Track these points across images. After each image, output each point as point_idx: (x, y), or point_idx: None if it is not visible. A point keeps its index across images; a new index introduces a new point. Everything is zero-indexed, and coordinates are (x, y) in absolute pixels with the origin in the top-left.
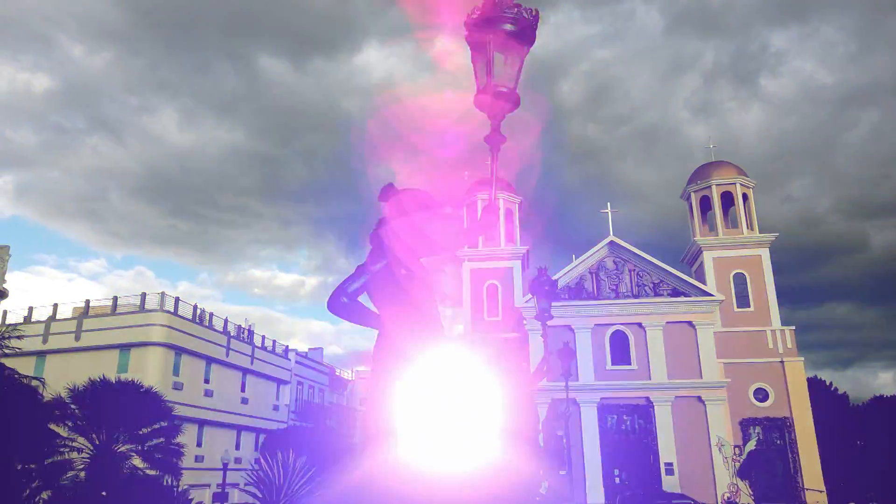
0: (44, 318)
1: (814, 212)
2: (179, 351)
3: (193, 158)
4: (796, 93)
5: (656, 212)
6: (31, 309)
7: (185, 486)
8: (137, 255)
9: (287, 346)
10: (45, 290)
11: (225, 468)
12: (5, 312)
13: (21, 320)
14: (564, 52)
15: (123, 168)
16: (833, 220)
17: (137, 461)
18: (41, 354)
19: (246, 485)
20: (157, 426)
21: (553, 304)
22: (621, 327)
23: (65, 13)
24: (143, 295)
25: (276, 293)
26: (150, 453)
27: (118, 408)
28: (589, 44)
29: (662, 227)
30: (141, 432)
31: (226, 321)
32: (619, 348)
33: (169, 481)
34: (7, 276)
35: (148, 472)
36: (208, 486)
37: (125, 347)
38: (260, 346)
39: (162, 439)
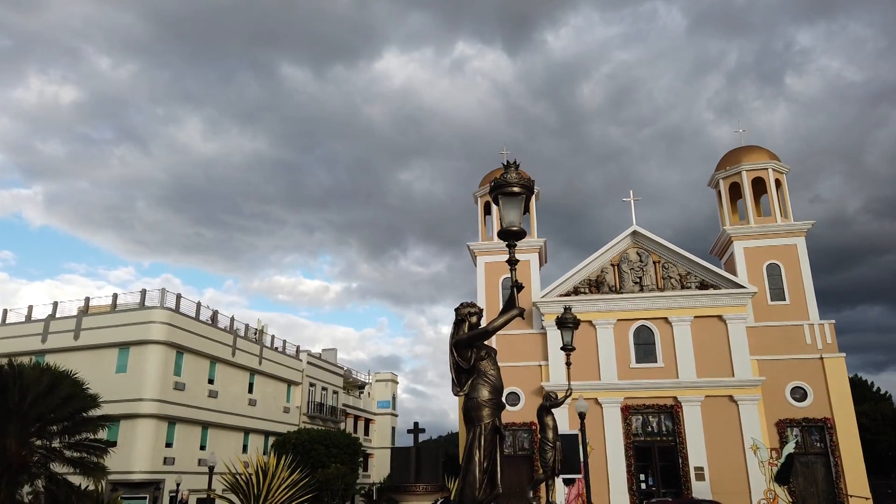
0: (43, 316)
1: (844, 212)
2: (181, 350)
3: (218, 167)
4: (824, 91)
5: (680, 214)
6: (30, 308)
7: (186, 492)
8: (165, 262)
9: (298, 347)
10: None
11: (211, 472)
12: (5, 311)
13: (22, 320)
14: (585, 55)
15: (150, 178)
16: (864, 220)
17: (55, 464)
18: (40, 354)
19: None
20: (77, 419)
21: (573, 297)
22: (646, 322)
23: (92, 27)
24: (144, 291)
25: (300, 299)
26: (69, 451)
27: (25, 398)
28: (610, 46)
29: (687, 230)
30: (56, 428)
31: (232, 319)
32: (644, 345)
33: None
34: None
35: (68, 477)
36: (214, 490)
37: (124, 346)
38: (269, 345)
39: (84, 435)
